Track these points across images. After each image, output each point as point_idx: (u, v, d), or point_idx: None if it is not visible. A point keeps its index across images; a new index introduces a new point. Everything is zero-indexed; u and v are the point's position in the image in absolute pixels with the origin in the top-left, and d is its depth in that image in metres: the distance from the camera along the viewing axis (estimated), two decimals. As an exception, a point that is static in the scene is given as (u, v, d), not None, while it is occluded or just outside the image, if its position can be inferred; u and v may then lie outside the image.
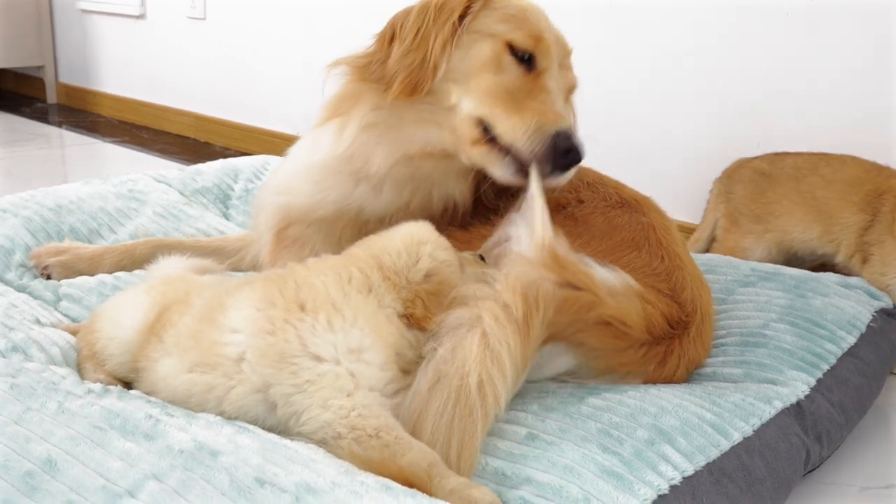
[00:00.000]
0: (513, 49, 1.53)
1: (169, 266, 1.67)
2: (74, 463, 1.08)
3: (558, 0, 2.84)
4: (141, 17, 4.55)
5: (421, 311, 1.29)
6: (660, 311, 1.44)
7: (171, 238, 2.01)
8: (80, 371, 1.40)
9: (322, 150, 1.65)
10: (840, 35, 2.35)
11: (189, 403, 1.27)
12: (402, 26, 1.56)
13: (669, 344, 1.45)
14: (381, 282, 1.30)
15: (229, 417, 1.23)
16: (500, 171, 1.51)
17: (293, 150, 1.78)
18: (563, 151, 1.46)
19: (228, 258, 1.97)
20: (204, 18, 4.22)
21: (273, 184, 1.76)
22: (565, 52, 1.61)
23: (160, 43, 4.50)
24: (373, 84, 1.59)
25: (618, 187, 1.66)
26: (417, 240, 1.36)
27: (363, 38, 3.69)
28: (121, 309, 1.46)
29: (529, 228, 1.36)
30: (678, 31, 2.66)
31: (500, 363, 1.17)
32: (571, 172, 1.51)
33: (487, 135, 1.51)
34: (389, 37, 1.58)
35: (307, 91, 3.81)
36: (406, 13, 1.59)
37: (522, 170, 1.49)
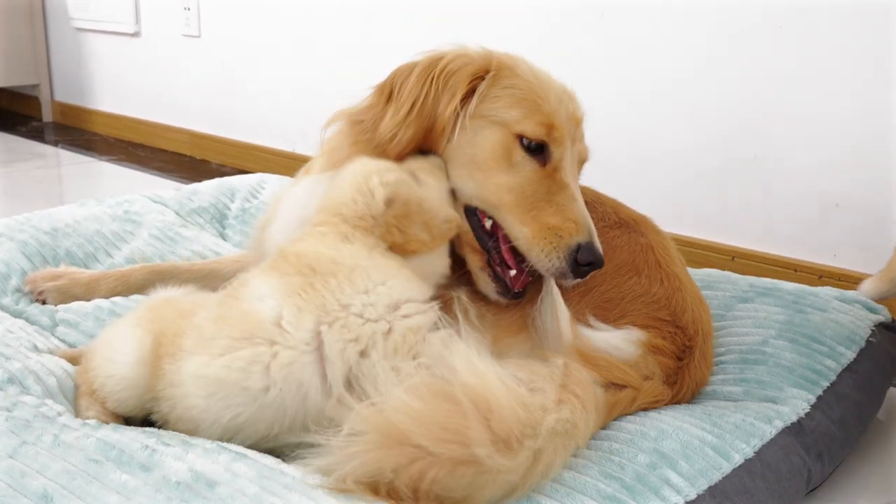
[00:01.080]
0: (524, 139, 1.45)
1: (157, 299, 1.63)
2: (70, 497, 1.07)
3: (550, 15, 2.90)
4: (136, 34, 4.56)
5: (399, 237, 1.31)
6: (671, 354, 1.45)
7: (166, 263, 1.99)
8: (76, 406, 1.38)
9: (315, 205, 1.62)
10: (834, 46, 2.36)
11: (224, 392, 1.20)
12: (401, 86, 1.48)
13: (679, 373, 1.46)
14: (353, 231, 1.31)
15: (279, 390, 1.18)
16: (488, 291, 1.46)
17: (291, 197, 1.69)
18: (584, 265, 1.41)
19: (224, 280, 1.96)
20: (199, 36, 4.23)
21: (271, 229, 1.72)
22: (576, 124, 1.52)
23: (155, 61, 4.50)
24: (366, 143, 1.51)
25: (615, 207, 1.66)
26: (362, 176, 1.35)
27: (358, 56, 3.70)
28: (112, 345, 1.40)
29: (554, 329, 1.38)
30: (671, 47, 2.66)
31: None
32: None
33: (479, 241, 1.47)
34: (387, 94, 1.50)
35: (303, 108, 3.81)
36: (408, 70, 1.49)
37: (509, 291, 1.44)
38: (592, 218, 1.59)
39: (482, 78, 1.46)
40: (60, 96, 5.12)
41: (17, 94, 5.31)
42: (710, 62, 2.59)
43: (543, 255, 1.42)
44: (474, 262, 1.47)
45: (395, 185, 1.33)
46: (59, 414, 1.31)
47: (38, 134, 4.85)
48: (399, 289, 1.27)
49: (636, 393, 1.39)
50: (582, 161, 1.56)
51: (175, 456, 1.15)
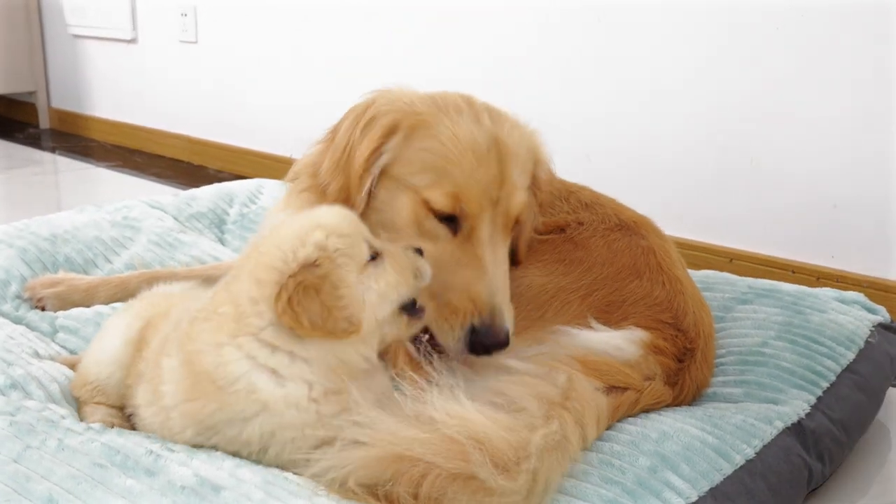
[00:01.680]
0: (430, 208, 1.39)
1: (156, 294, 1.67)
2: (76, 502, 1.08)
3: (549, 15, 2.90)
4: (133, 41, 4.56)
5: (283, 307, 1.13)
6: (672, 355, 1.46)
7: (164, 269, 2.00)
8: (80, 415, 1.39)
9: None
10: (832, 47, 2.36)
11: (159, 434, 1.25)
12: (338, 131, 1.45)
13: (680, 374, 1.47)
14: (235, 338, 1.18)
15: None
16: (413, 352, 1.40)
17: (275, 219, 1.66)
18: (485, 347, 1.34)
19: None
20: (196, 42, 4.23)
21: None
22: (499, 183, 1.40)
23: (152, 67, 4.50)
24: (317, 189, 1.46)
25: (616, 208, 1.66)
26: (311, 226, 1.20)
27: (357, 59, 3.70)
28: (103, 336, 1.46)
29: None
30: (669, 48, 2.67)
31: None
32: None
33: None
34: (331, 137, 1.46)
35: (301, 113, 3.81)
36: (349, 113, 1.45)
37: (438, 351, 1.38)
38: (594, 220, 1.58)
39: (395, 132, 1.41)
40: (57, 103, 5.12)
41: (13, 101, 5.31)
42: (708, 64, 2.60)
43: (442, 335, 1.36)
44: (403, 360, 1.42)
45: (330, 256, 1.17)
46: (63, 417, 1.32)
47: (35, 140, 4.85)
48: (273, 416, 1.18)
49: (638, 395, 1.40)
50: (510, 219, 1.44)
51: (179, 461, 1.15)
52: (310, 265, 1.16)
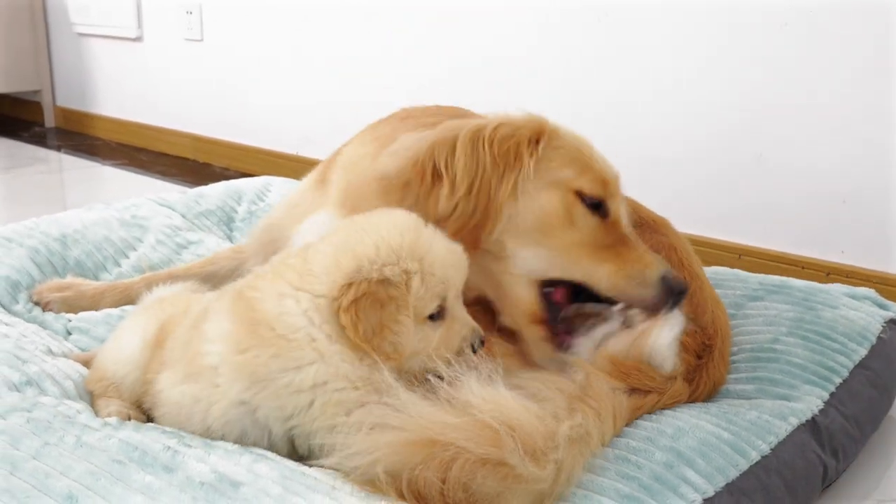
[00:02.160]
0: (582, 197, 1.42)
1: (161, 293, 1.68)
2: (95, 498, 1.08)
3: (550, 15, 2.90)
4: (138, 39, 4.56)
5: (347, 305, 1.16)
6: (692, 352, 1.47)
7: (163, 271, 2.01)
8: (94, 409, 1.40)
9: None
10: (838, 43, 2.36)
11: (181, 416, 1.26)
12: (447, 164, 1.40)
13: (698, 371, 1.47)
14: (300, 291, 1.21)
15: (215, 433, 1.23)
16: (541, 357, 1.42)
17: (308, 226, 1.66)
18: (676, 293, 1.40)
19: (222, 282, 1.99)
20: (201, 40, 4.23)
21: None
22: (617, 178, 1.50)
23: (158, 65, 4.50)
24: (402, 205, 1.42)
25: (636, 206, 1.67)
26: (413, 248, 1.22)
27: (361, 57, 3.69)
28: (120, 335, 1.47)
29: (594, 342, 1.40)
30: (673, 46, 2.67)
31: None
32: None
33: (549, 313, 1.43)
34: (431, 172, 1.41)
35: (306, 110, 3.82)
36: (449, 145, 1.42)
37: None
38: None
39: (538, 143, 1.44)
40: (62, 101, 5.13)
41: (19, 100, 5.31)
42: (712, 61, 2.60)
43: (635, 285, 1.40)
44: (535, 332, 1.43)
45: (412, 286, 1.20)
46: (79, 412, 1.32)
47: (40, 139, 4.85)
48: (329, 366, 1.20)
49: (661, 397, 1.40)
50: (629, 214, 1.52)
51: (197, 457, 1.16)
52: (387, 281, 1.18)
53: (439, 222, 1.36)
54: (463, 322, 1.27)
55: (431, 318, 1.23)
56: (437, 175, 1.41)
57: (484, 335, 1.29)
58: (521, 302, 1.43)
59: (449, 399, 1.14)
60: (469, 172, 1.39)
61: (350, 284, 1.17)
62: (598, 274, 1.40)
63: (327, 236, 1.27)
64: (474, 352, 1.27)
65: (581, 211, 1.42)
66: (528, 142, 1.43)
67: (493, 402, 1.13)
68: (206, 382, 1.23)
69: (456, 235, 1.34)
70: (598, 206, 1.43)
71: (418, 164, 1.43)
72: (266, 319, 1.20)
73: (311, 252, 1.25)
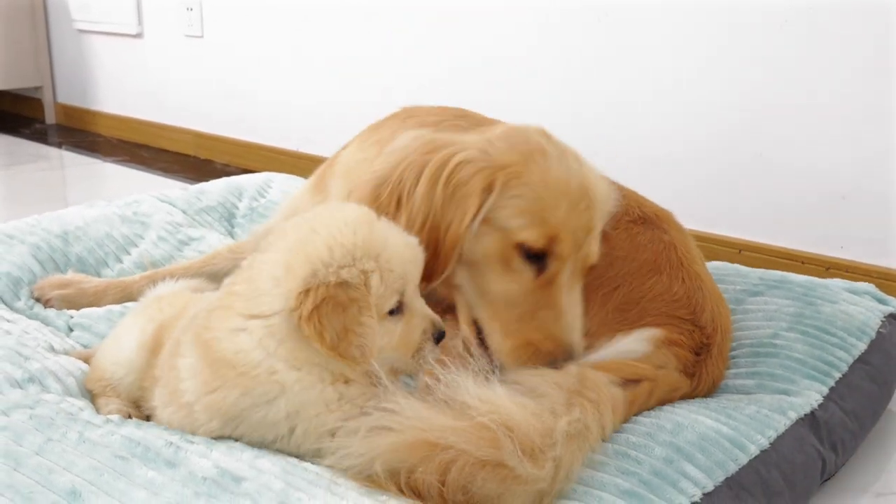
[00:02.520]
0: (524, 248, 1.39)
1: (162, 290, 1.68)
2: (99, 493, 1.09)
3: (550, 15, 2.90)
4: (138, 35, 4.56)
5: (308, 314, 1.12)
6: (688, 348, 1.47)
7: (163, 269, 2.02)
8: (94, 406, 1.41)
9: None
10: (837, 41, 2.37)
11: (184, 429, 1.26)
12: (409, 194, 1.40)
13: (697, 367, 1.47)
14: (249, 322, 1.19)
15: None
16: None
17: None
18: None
19: (222, 281, 2.00)
20: (202, 36, 4.23)
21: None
22: (587, 231, 1.43)
23: (158, 61, 4.51)
24: None
25: (639, 201, 1.67)
26: (368, 246, 1.18)
27: (361, 55, 3.69)
28: (118, 335, 1.47)
29: None
30: (673, 45, 2.67)
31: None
32: None
33: (481, 336, 1.44)
34: (396, 198, 1.42)
35: (307, 107, 3.82)
36: (415, 172, 1.41)
37: None
38: (617, 212, 1.58)
39: (491, 191, 1.39)
40: (63, 98, 5.13)
41: (19, 97, 5.32)
42: (712, 60, 2.60)
43: (522, 366, 1.37)
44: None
45: (371, 285, 1.17)
46: (81, 409, 1.33)
47: (41, 136, 4.86)
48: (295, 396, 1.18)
49: (653, 384, 1.41)
50: (587, 264, 1.46)
51: (199, 453, 1.16)
52: (345, 284, 1.15)
53: None
54: (422, 315, 1.25)
55: (391, 313, 1.21)
56: (399, 202, 1.41)
57: (444, 327, 1.28)
58: (463, 322, 1.46)
59: (446, 401, 1.15)
60: (423, 210, 1.39)
61: (307, 291, 1.13)
62: (496, 343, 1.40)
63: (273, 241, 1.22)
64: (436, 343, 1.25)
65: (517, 261, 1.40)
66: (481, 191, 1.39)
67: (490, 402, 1.13)
68: (188, 413, 1.23)
69: None
70: (538, 259, 1.40)
71: (387, 188, 1.43)
72: (226, 359, 1.17)
73: (256, 268, 1.21)
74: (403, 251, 1.22)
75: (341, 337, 1.13)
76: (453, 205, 1.38)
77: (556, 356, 1.37)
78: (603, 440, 1.26)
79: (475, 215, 1.38)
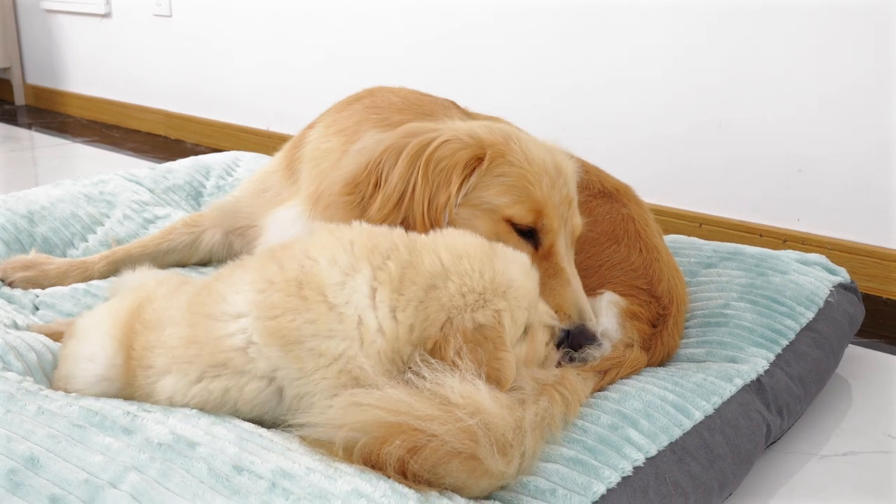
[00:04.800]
0: (514, 225, 1.43)
1: (129, 280, 1.65)
2: (56, 459, 1.11)
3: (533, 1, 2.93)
4: (106, 15, 4.54)
5: (442, 345, 1.19)
6: (646, 320, 1.52)
7: (121, 248, 2.03)
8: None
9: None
10: (798, 13, 2.40)
11: (206, 409, 1.26)
12: (387, 174, 1.42)
13: (653, 340, 1.53)
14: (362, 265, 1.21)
15: (246, 418, 1.25)
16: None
17: (278, 217, 1.71)
18: (578, 344, 1.42)
19: (180, 255, 2.04)
20: (170, 16, 4.22)
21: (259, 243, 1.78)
22: (569, 203, 1.48)
23: (127, 41, 4.49)
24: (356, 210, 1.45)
25: (600, 176, 1.71)
26: (498, 288, 1.23)
27: (333, 33, 3.67)
28: (86, 335, 1.40)
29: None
30: (633, 11, 2.70)
31: None
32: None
33: None
34: (375, 179, 1.44)
35: (277, 85, 3.82)
36: (395, 154, 1.43)
37: None
38: (578, 186, 1.62)
39: (474, 168, 1.43)
40: (32, 79, 5.10)
41: (-12, 78, 5.29)
42: (676, 39, 2.63)
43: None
44: None
45: (504, 327, 1.22)
46: (41, 388, 1.33)
47: (10, 117, 4.83)
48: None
49: (619, 368, 1.45)
50: (575, 236, 1.52)
51: (156, 420, 1.19)
52: (481, 327, 1.20)
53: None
54: (543, 327, 1.32)
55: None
56: (377, 183, 1.43)
57: (562, 326, 1.34)
58: None
59: (430, 395, 1.16)
60: (399, 187, 1.41)
61: (447, 338, 1.19)
62: None
63: (410, 268, 1.23)
64: (557, 348, 1.33)
65: (513, 241, 1.42)
66: (464, 166, 1.42)
67: (470, 398, 1.14)
68: (233, 370, 1.22)
69: None
70: (531, 235, 1.44)
71: (367, 169, 1.45)
72: (319, 284, 1.20)
73: (407, 279, 1.22)
74: (526, 282, 1.27)
75: (479, 371, 1.18)
76: (435, 180, 1.41)
77: (573, 320, 1.41)
78: (564, 429, 1.28)
79: (459, 188, 1.41)
